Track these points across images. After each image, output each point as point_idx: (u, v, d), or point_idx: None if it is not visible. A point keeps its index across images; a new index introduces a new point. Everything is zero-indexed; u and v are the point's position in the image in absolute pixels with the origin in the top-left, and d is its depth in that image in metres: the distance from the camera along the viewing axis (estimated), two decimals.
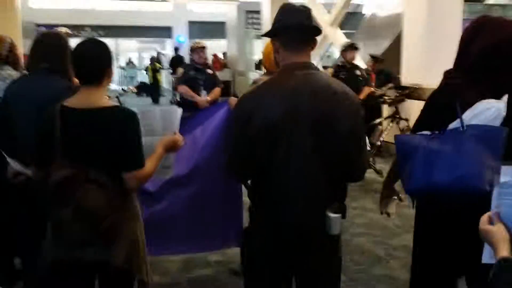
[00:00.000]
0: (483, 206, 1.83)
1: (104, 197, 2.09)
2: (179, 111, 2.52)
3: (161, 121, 2.51)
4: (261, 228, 2.13)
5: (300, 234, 2.04)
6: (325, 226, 2.01)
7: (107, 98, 2.32)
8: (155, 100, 17.84)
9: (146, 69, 19.27)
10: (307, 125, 1.97)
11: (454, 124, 1.96)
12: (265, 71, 3.71)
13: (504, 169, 1.37)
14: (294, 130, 1.97)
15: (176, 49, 18.78)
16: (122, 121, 2.16)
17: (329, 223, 2.00)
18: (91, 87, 2.21)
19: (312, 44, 2.12)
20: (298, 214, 2.01)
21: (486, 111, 1.92)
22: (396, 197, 2.46)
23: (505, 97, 1.93)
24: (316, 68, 2.11)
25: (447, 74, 2.15)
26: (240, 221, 3.53)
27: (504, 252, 1.28)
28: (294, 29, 2.05)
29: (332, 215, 2.00)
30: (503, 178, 1.36)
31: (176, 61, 16.82)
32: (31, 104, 2.61)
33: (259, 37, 16.33)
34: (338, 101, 2.01)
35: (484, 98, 1.94)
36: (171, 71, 17.45)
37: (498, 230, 1.32)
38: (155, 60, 19.32)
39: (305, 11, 2.08)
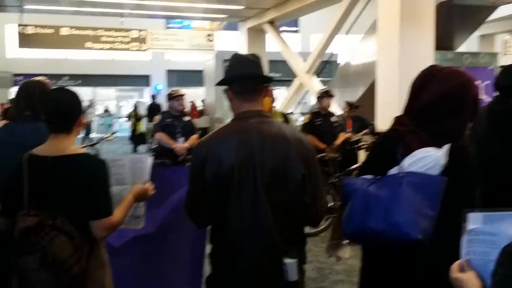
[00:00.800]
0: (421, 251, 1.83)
1: (70, 245, 2.05)
2: (149, 160, 2.49)
3: (131, 170, 2.47)
4: (219, 276, 2.11)
5: (257, 282, 2.02)
6: (282, 273, 1.99)
7: (83, 146, 2.30)
8: (136, 148, 17.68)
9: (129, 117, 18.97)
10: (261, 172, 1.99)
11: (394, 170, 1.98)
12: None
13: (472, 216, 1.36)
14: (248, 178, 1.98)
15: (153, 97, 18.83)
16: (90, 169, 2.14)
17: (285, 270, 1.98)
18: (61, 135, 2.19)
19: (263, 92, 2.17)
20: (254, 261, 2.00)
21: (424, 159, 1.94)
22: (347, 241, 2.42)
23: (446, 147, 1.95)
24: (268, 116, 2.15)
25: (396, 120, 2.18)
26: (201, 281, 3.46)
27: None
28: (246, 79, 2.11)
29: (288, 261, 1.98)
30: (471, 226, 1.36)
31: (154, 109, 16.84)
32: (19, 151, 2.58)
33: None
34: (291, 148, 2.04)
35: (425, 146, 1.97)
36: (148, 118, 17.41)
37: (469, 278, 1.30)
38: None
39: (255, 61, 2.14)
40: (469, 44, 15.56)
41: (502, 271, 1.13)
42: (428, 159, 1.93)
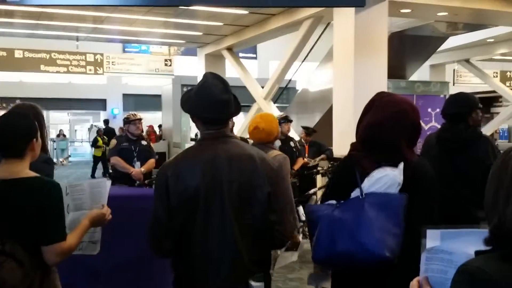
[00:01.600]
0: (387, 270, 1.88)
1: (20, 272, 1.96)
2: (108, 184, 2.44)
3: (90, 194, 2.40)
4: None
5: None
6: None
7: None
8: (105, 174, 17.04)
9: (95, 142, 17.85)
10: (226, 192, 1.98)
11: (355, 193, 2.04)
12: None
13: (429, 233, 1.39)
14: (213, 198, 1.97)
15: (107, 122, 18.40)
16: (43, 192, 2.07)
17: None
18: (13, 160, 2.11)
19: (231, 114, 2.15)
20: (220, 284, 1.97)
21: (381, 179, 2.00)
22: (330, 271, 2.42)
23: (401, 165, 2.02)
24: (233, 136, 2.17)
25: (352, 146, 2.26)
26: None
27: None
28: (211, 106, 2.06)
29: (255, 284, 1.98)
30: (429, 243, 1.39)
31: (109, 133, 16.54)
32: None
33: None
34: (256, 167, 2.04)
35: (381, 166, 2.04)
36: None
37: None
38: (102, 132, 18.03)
39: (227, 101, 2.08)
40: (421, 73, 16.10)
41: None
42: (386, 179, 1.99)
